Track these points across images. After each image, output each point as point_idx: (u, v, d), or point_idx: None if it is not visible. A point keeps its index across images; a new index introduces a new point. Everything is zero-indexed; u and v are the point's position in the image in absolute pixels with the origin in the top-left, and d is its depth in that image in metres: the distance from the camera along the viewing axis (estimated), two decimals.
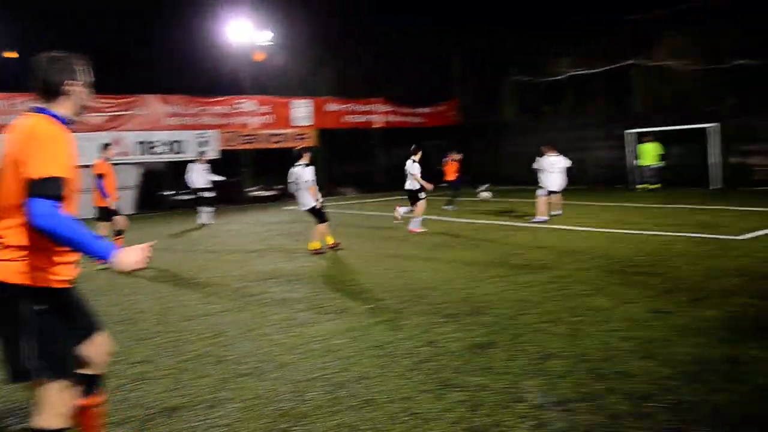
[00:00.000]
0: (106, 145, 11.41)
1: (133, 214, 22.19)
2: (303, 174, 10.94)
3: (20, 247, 2.81)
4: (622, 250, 9.70)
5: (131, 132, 22.47)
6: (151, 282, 9.07)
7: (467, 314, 6.33)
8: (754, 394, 4.07)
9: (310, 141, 27.14)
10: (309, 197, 10.99)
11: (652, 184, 22.42)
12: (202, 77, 33.78)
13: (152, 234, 15.64)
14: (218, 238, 14.14)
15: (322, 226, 11.12)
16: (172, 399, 4.47)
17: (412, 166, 13.29)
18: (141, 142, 22.65)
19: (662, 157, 22.15)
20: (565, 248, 10.22)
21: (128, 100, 22.66)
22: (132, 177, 23.02)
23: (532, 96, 29.24)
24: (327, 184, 28.69)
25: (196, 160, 18.29)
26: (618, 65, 25.74)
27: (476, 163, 32.07)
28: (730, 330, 5.40)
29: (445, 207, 18.32)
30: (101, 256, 2.77)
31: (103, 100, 22.00)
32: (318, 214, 11.09)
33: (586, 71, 27.05)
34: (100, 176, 10.76)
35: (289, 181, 11.26)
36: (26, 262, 2.81)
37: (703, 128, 21.58)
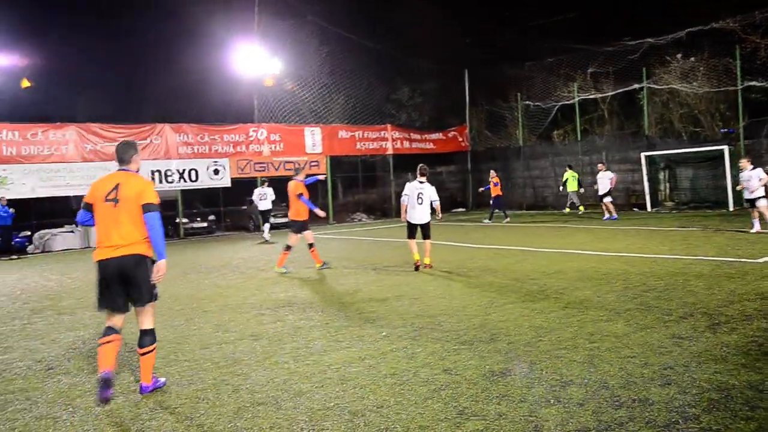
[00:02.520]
0: (298, 169, 13.13)
1: None
2: (432, 193, 11.72)
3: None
4: (638, 275, 9.64)
5: (145, 161, 22.71)
6: (166, 310, 9.08)
7: (483, 341, 6.30)
8: None
9: (322, 168, 27.32)
10: (428, 213, 11.71)
11: (573, 208, 24.37)
12: (213, 106, 34.23)
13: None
14: (233, 266, 14.17)
15: (429, 242, 11.88)
16: (190, 429, 4.46)
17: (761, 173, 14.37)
18: (155, 171, 22.86)
19: (579, 184, 24.21)
20: (580, 273, 10.17)
21: (142, 129, 22.94)
22: None
23: (542, 120, 29.30)
24: (338, 211, 28.88)
25: (263, 184, 21.11)
26: (627, 88, 25.82)
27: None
28: (752, 355, 5.33)
29: (486, 221, 22.85)
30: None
31: (117, 130, 22.31)
32: (429, 230, 11.87)
33: (596, 95, 27.14)
34: (300, 195, 12.28)
35: (404, 193, 11.87)
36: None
37: (719, 150, 21.50)
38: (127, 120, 23.58)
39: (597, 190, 21.78)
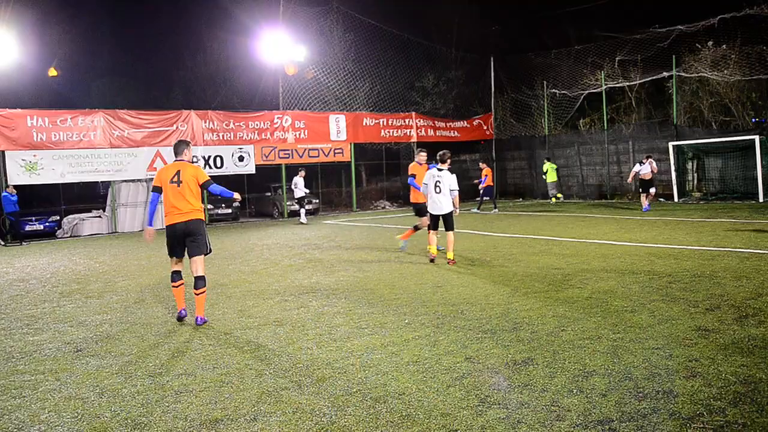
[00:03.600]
0: (419, 150, 12.71)
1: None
2: (451, 181, 10.95)
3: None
4: (663, 265, 9.53)
5: (171, 147, 22.91)
6: (190, 296, 9.19)
7: (506, 330, 6.29)
8: None
9: (346, 156, 27.34)
10: (448, 203, 10.96)
11: (556, 197, 27.04)
12: (239, 93, 34.41)
13: None
14: (256, 252, 14.29)
15: (452, 234, 11.08)
16: (214, 411, 4.52)
17: None
18: None
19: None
20: (605, 263, 10.08)
21: (168, 116, 23.14)
22: None
23: (568, 109, 28.98)
24: (362, 199, 28.94)
25: (298, 173, 22.39)
26: (656, 77, 25.40)
27: (510, 177, 32.05)
28: None
29: (477, 210, 23.59)
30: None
31: (144, 117, 22.53)
32: (451, 221, 11.06)
33: (623, 83, 26.75)
34: (413, 176, 12.07)
35: (424, 182, 11.23)
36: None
37: (750, 140, 21.09)
38: (154, 106, 23.82)
39: (639, 180, 21.00)
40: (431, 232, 11.40)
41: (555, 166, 27.27)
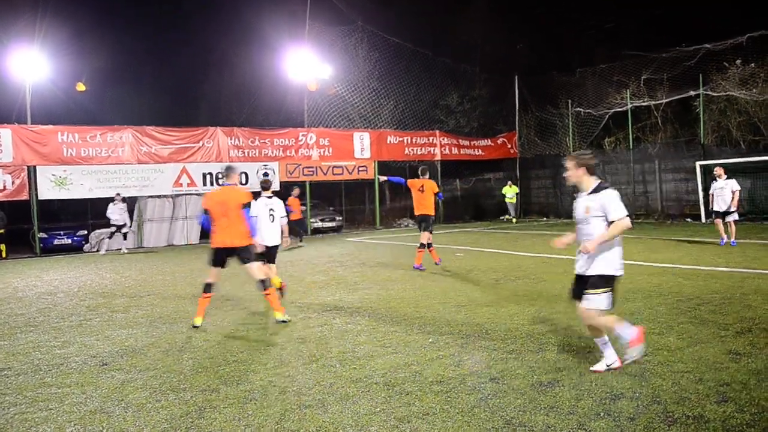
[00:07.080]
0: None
1: (196, 244, 22.85)
2: (278, 208, 10.12)
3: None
4: (691, 287, 9.38)
5: (197, 164, 23.20)
6: (215, 311, 9.25)
7: (531, 350, 6.22)
8: None
9: (370, 173, 27.44)
10: (277, 233, 10.06)
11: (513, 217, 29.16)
12: (264, 110, 34.73)
13: None
14: (280, 269, 14.31)
15: (267, 267, 9.78)
16: (238, 428, 4.52)
17: None
18: (207, 174, 23.33)
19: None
20: (631, 285, 9.94)
21: (195, 132, 23.45)
22: (198, 207, 23.73)
23: (593, 128, 28.78)
24: (385, 217, 28.99)
25: (114, 198, 20.81)
26: (682, 95, 25.15)
27: (535, 196, 31.90)
28: None
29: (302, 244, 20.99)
30: None
31: (172, 133, 22.85)
32: (274, 254, 10.11)
33: (649, 102, 26.52)
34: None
35: (250, 215, 9.02)
36: None
37: None
38: (180, 122, 24.16)
39: (711, 204, 16.10)
40: (268, 265, 9.96)
41: (516, 190, 29.53)
